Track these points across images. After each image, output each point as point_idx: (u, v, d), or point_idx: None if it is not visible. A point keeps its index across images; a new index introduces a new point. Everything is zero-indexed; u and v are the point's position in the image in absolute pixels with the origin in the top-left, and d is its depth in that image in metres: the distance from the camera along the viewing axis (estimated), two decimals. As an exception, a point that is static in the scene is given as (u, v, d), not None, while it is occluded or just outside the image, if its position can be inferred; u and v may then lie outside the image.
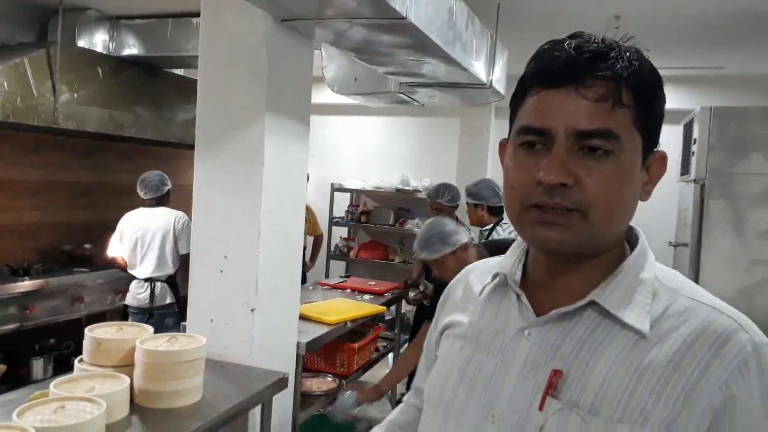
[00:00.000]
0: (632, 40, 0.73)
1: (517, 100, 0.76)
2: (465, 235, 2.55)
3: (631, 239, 0.79)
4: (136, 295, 3.72)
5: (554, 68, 0.70)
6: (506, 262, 0.84)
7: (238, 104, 2.17)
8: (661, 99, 0.73)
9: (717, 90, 4.90)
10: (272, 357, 2.27)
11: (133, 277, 3.75)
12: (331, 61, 3.38)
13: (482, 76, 3.12)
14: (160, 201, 3.84)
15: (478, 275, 0.91)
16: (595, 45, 0.70)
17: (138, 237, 3.72)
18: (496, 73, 3.33)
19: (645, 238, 0.78)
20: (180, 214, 3.76)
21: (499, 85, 3.50)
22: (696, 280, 3.19)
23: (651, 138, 0.73)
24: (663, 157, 0.75)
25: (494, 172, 5.37)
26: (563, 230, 0.70)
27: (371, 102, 3.94)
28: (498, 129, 5.61)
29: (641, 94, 0.70)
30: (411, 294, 3.88)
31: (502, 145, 0.82)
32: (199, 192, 2.26)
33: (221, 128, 2.20)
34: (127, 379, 1.67)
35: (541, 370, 0.72)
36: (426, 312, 3.48)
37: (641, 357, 0.68)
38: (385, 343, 3.60)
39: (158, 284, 3.72)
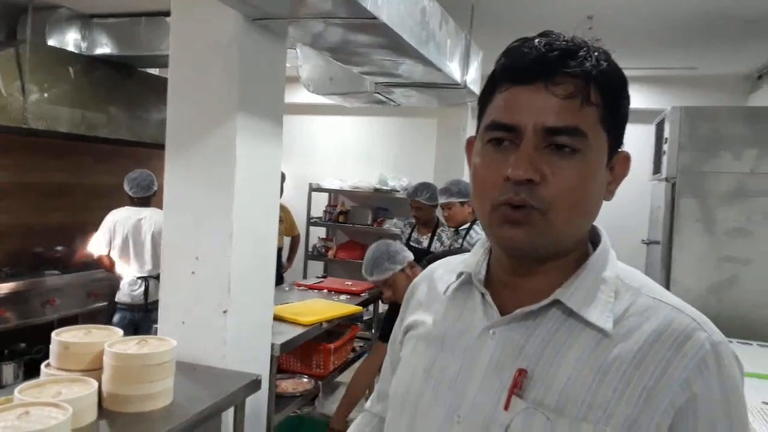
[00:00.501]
0: (599, 42, 0.73)
1: (485, 97, 0.76)
2: (409, 253, 2.57)
3: (593, 239, 0.79)
4: (131, 292, 3.75)
5: (524, 65, 0.70)
6: (471, 261, 0.84)
7: (209, 104, 2.14)
8: (627, 99, 0.74)
9: (690, 90, 4.98)
10: (246, 359, 2.25)
11: (115, 277, 3.75)
12: (306, 60, 3.36)
13: (457, 76, 3.14)
14: (148, 201, 3.86)
15: (442, 273, 0.90)
16: (565, 43, 0.70)
17: (131, 235, 3.73)
18: (471, 73, 3.35)
19: (607, 238, 0.78)
20: None
21: (475, 86, 3.51)
22: (668, 277, 3.23)
23: (616, 138, 0.73)
24: (627, 158, 0.76)
25: (471, 171, 5.39)
26: (528, 229, 0.69)
27: (347, 102, 3.94)
28: (474, 129, 5.64)
29: (608, 94, 0.71)
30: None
31: (470, 142, 0.81)
32: (169, 192, 2.23)
33: (192, 128, 2.18)
34: (95, 383, 1.64)
35: (506, 369, 0.72)
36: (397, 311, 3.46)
37: (605, 355, 0.69)
38: (362, 343, 3.60)
39: (152, 281, 3.75)
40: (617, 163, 0.75)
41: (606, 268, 0.75)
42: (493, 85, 0.74)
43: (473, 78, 3.42)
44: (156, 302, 3.67)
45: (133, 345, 1.79)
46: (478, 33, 3.36)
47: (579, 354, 0.70)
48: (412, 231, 3.93)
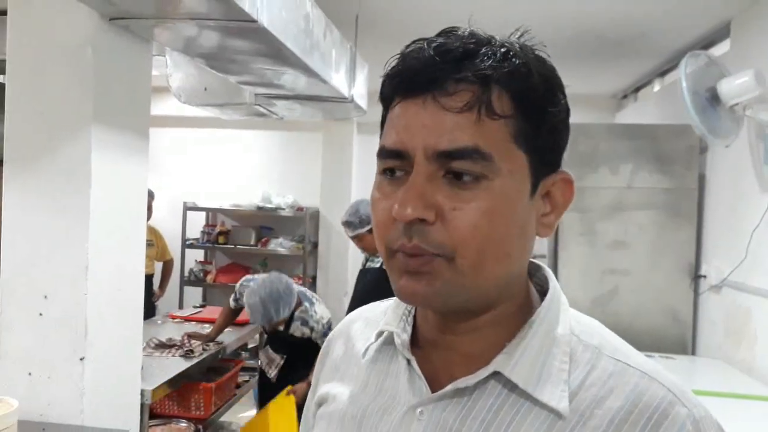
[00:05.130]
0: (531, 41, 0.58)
1: (383, 114, 0.61)
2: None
3: (540, 282, 0.64)
4: None
5: (410, 73, 0.55)
6: (392, 316, 0.66)
7: (58, 114, 1.84)
8: (557, 106, 0.57)
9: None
10: (110, 411, 1.94)
11: None
12: (177, 68, 3.06)
13: (343, 89, 3.00)
14: None
15: (361, 327, 0.72)
16: (463, 42, 0.55)
17: None
18: (358, 86, 3.23)
19: (556, 281, 0.63)
20: None
21: (361, 100, 3.39)
22: (554, 290, 3.29)
23: (545, 156, 0.58)
24: (566, 180, 0.60)
25: (359, 190, 5.28)
26: (431, 281, 0.54)
27: (225, 114, 3.66)
28: (360, 145, 5.55)
29: (525, 100, 0.55)
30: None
31: None
32: (9, 218, 1.88)
33: (37, 142, 1.85)
34: None
35: None
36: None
37: None
38: (247, 377, 3.32)
39: None
40: (554, 188, 0.59)
41: (558, 323, 0.60)
42: (385, 99, 0.60)
43: (360, 92, 3.30)
44: None
45: (-45, 413, 1.44)
46: (363, 45, 3.25)
47: None
48: None
